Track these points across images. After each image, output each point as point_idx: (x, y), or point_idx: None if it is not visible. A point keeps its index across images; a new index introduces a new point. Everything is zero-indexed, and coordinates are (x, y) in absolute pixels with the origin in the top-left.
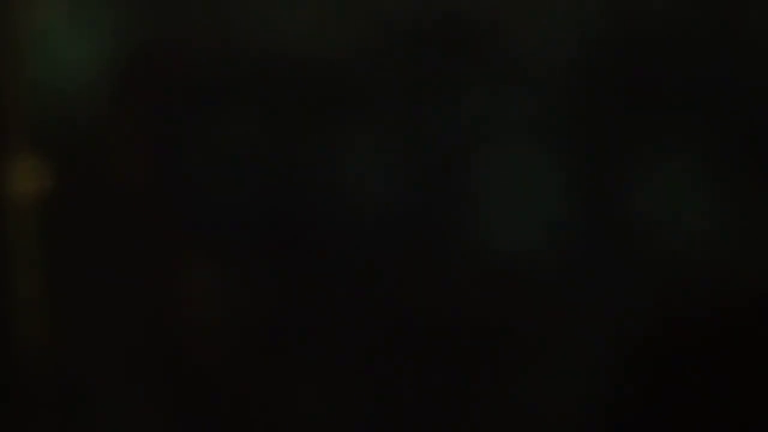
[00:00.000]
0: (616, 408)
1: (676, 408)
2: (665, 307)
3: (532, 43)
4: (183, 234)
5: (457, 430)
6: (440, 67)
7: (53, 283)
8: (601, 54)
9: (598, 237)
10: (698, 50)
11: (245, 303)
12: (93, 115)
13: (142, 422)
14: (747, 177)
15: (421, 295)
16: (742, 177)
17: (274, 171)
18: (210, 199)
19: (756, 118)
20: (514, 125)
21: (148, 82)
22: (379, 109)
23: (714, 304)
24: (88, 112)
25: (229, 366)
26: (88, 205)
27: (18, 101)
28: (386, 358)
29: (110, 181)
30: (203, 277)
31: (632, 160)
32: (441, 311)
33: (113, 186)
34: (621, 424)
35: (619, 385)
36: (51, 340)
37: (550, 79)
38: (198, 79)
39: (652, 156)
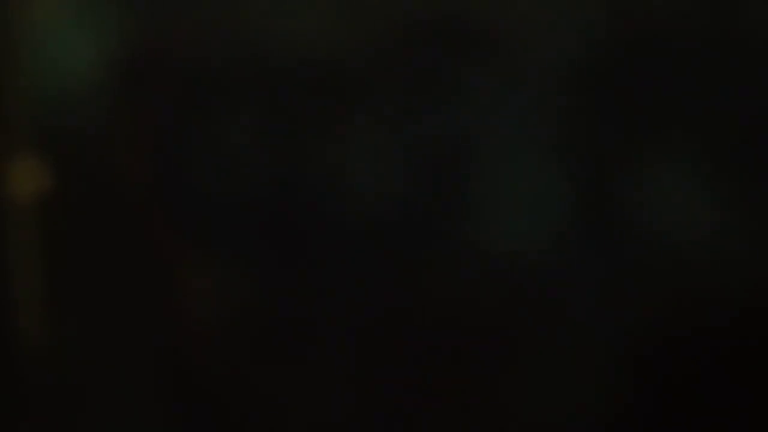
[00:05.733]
0: (619, 411)
1: (680, 410)
2: (667, 310)
3: (534, 43)
4: (185, 234)
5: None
6: (442, 67)
7: (54, 283)
8: (603, 55)
9: (600, 238)
10: (699, 50)
11: (247, 303)
12: (93, 114)
13: (143, 422)
14: (750, 178)
15: (421, 295)
16: (745, 178)
17: (276, 170)
18: (212, 199)
19: (758, 118)
20: (516, 125)
21: (149, 81)
22: (380, 109)
23: (717, 306)
24: (89, 111)
25: (231, 366)
26: (89, 205)
27: (18, 101)
28: (388, 358)
29: (111, 181)
30: (206, 277)
31: (634, 161)
32: (441, 312)
33: (114, 186)
34: (622, 426)
35: (621, 388)
36: (51, 340)
37: (552, 80)
38: (199, 78)
39: (654, 158)
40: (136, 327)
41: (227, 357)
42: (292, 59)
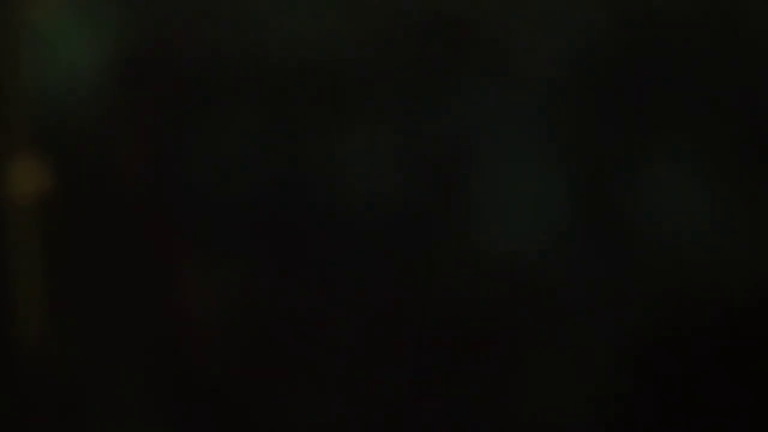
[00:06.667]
0: (619, 411)
1: (680, 410)
2: (667, 310)
3: (534, 43)
4: (184, 234)
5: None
6: (442, 68)
7: (54, 283)
8: (603, 55)
9: (600, 239)
10: (699, 50)
11: (247, 303)
12: (93, 115)
13: (143, 422)
14: (750, 178)
15: (420, 295)
16: (745, 178)
17: (275, 171)
18: (212, 200)
19: (758, 118)
20: (516, 126)
21: (149, 81)
22: (381, 109)
23: (717, 306)
24: (89, 111)
25: (231, 366)
26: (89, 205)
27: (18, 101)
28: (388, 358)
29: (111, 180)
30: (205, 278)
31: (634, 161)
32: (441, 312)
33: (114, 186)
34: (622, 426)
35: (621, 388)
36: (51, 339)
37: (552, 80)
38: (199, 78)
39: (654, 158)
40: (136, 327)
41: (227, 356)
42: (292, 59)
